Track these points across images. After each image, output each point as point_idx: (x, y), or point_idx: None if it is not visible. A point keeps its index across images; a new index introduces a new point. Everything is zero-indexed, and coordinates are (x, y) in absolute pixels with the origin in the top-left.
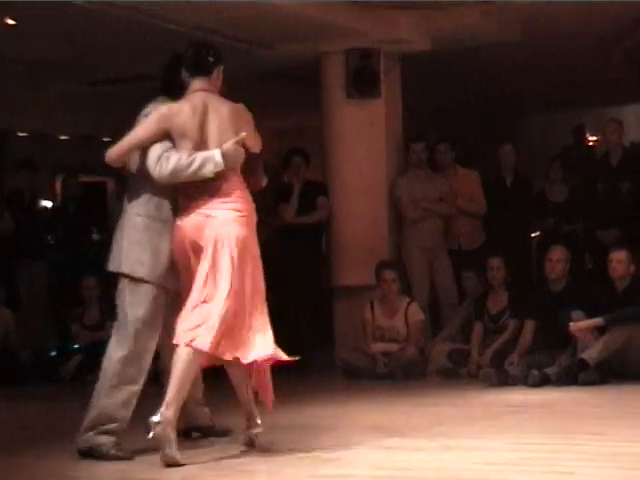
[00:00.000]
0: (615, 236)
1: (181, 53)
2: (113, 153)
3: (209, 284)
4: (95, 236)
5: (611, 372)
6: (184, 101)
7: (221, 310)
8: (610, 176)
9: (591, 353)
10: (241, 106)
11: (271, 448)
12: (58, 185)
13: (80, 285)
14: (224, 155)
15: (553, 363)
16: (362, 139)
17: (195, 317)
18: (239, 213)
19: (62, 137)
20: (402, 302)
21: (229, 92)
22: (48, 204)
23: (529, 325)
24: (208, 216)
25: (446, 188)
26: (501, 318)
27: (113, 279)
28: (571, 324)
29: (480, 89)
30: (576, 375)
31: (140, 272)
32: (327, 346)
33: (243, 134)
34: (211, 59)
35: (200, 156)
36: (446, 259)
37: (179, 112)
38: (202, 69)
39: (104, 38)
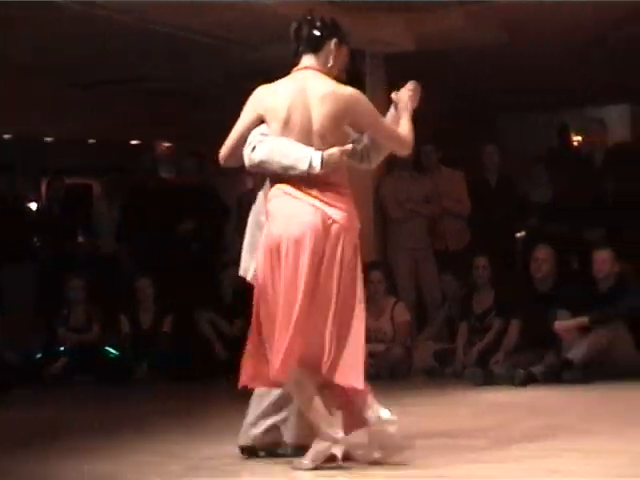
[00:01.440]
0: (600, 236)
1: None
2: (221, 154)
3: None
4: (80, 238)
5: (596, 371)
6: (284, 80)
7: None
8: (594, 176)
9: (576, 352)
10: (352, 92)
11: None
12: (44, 187)
13: (66, 286)
14: (324, 161)
15: (538, 362)
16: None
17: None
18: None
19: (47, 139)
20: (388, 303)
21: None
22: (33, 206)
23: (514, 324)
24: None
25: (431, 189)
26: (486, 317)
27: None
28: (556, 323)
29: (464, 89)
30: (561, 374)
31: None
32: None
33: (349, 146)
34: (317, 33)
35: (296, 151)
36: (431, 260)
37: (272, 93)
38: (307, 45)
39: (90, 40)
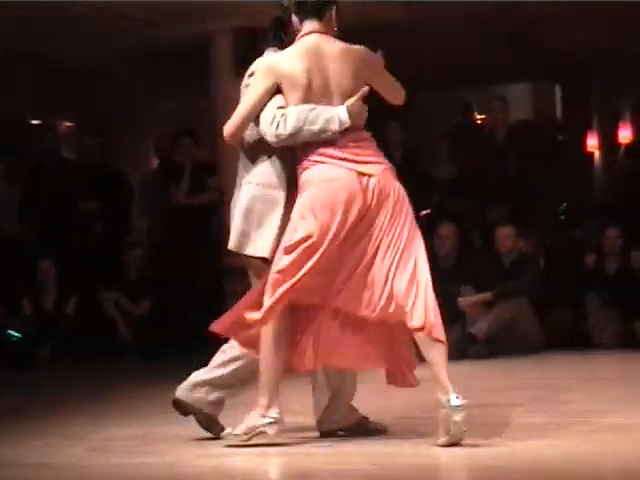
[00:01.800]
0: (502, 213)
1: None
2: (228, 131)
3: None
4: None
5: (500, 345)
6: (293, 46)
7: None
8: (496, 153)
9: (480, 327)
10: (362, 49)
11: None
12: None
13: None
14: (350, 113)
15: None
16: None
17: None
18: None
19: None
20: None
21: None
22: None
23: None
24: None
25: None
26: None
27: None
28: (460, 299)
29: None
30: (466, 349)
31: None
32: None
33: (365, 88)
34: None
35: (323, 114)
36: None
37: (287, 59)
38: (312, 10)
39: None
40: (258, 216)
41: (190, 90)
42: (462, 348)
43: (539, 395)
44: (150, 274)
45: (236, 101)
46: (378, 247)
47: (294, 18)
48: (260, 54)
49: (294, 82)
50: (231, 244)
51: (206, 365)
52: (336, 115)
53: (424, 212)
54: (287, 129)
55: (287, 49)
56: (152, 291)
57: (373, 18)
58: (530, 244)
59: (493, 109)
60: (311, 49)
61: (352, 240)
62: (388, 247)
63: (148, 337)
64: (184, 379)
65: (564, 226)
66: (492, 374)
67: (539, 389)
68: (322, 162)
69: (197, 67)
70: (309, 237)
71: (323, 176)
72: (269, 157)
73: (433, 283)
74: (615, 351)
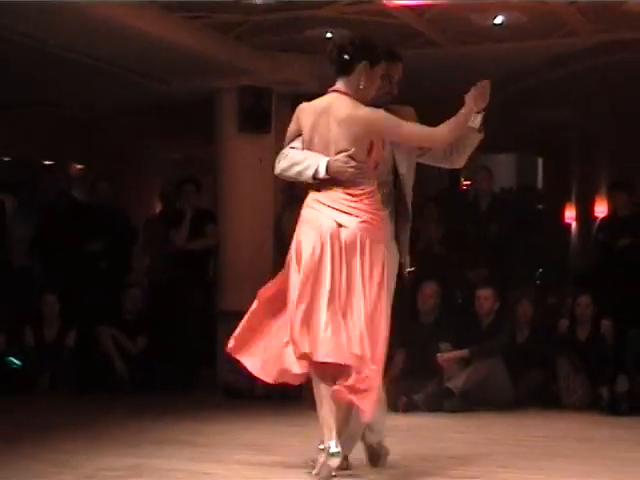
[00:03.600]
0: (483, 275)
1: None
2: (277, 167)
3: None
4: None
5: (474, 401)
6: (317, 99)
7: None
8: (480, 219)
9: (456, 382)
10: (370, 114)
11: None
12: None
13: None
14: (329, 166)
15: (421, 390)
16: (252, 172)
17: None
18: None
19: None
20: None
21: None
22: None
23: (399, 354)
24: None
25: None
26: None
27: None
28: (438, 355)
29: None
30: (442, 402)
31: None
32: (210, 367)
33: (350, 151)
34: (346, 57)
35: (308, 161)
36: None
37: (305, 111)
38: (337, 68)
39: (5, 65)
40: None
41: (196, 141)
42: (439, 402)
43: (510, 451)
44: (147, 313)
45: (238, 153)
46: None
47: None
48: (263, 111)
49: (303, 133)
50: None
51: (194, 400)
52: (316, 165)
53: (409, 269)
54: (278, 167)
55: (315, 100)
56: (148, 329)
57: None
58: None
59: (478, 178)
60: (323, 108)
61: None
62: (339, 293)
63: (143, 373)
64: (174, 415)
65: (540, 291)
66: (466, 428)
67: (510, 446)
68: (312, 207)
69: (203, 120)
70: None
71: (310, 218)
72: None
73: (415, 338)
74: (582, 413)
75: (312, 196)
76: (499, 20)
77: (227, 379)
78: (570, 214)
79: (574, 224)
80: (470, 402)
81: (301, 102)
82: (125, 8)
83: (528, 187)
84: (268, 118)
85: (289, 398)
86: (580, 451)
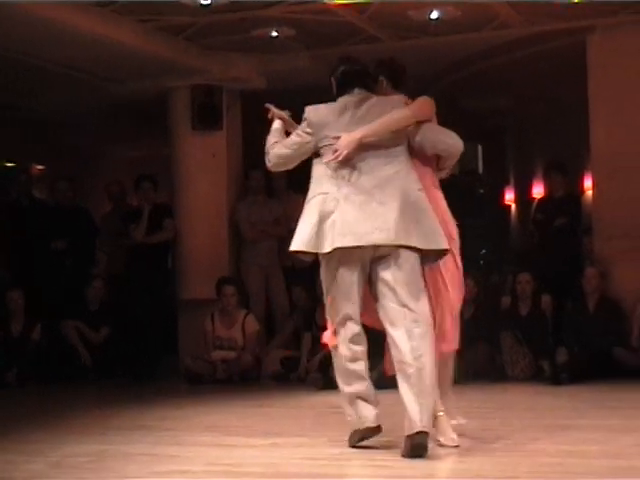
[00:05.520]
0: None
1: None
2: None
3: None
4: None
5: None
6: None
7: None
8: None
9: None
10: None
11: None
12: None
13: None
14: None
15: (374, 369)
16: (206, 167)
17: None
18: None
19: None
20: (240, 314)
21: None
22: None
23: None
24: None
25: (280, 212)
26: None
27: None
28: None
29: None
30: (394, 379)
31: None
32: (172, 355)
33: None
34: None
35: None
36: (280, 275)
37: None
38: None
39: None
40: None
41: (152, 139)
42: (391, 378)
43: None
44: (109, 304)
45: (192, 149)
46: None
47: None
48: (215, 108)
49: None
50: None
51: (157, 387)
52: None
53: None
54: None
55: None
56: (110, 320)
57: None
58: None
59: None
60: None
61: None
62: None
63: (106, 362)
64: (137, 401)
65: (483, 270)
66: None
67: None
68: None
69: (158, 119)
70: None
71: None
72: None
73: None
74: (525, 384)
75: None
76: (435, 15)
77: (189, 365)
78: (509, 196)
79: (513, 206)
80: None
81: (250, 99)
82: (75, 12)
83: (469, 172)
84: (220, 115)
85: (249, 380)
86: (525, 419)
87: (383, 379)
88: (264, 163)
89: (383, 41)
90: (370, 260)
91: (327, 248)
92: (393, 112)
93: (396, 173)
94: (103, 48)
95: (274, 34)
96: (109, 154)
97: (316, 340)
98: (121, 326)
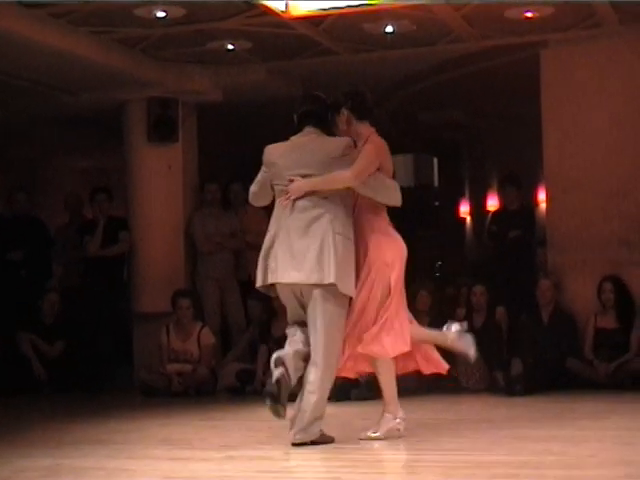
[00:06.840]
0: None
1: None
2: None
3: None
4: None
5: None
6: None
7: None
8: None
9: None
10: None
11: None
12: None
13: None
14: None
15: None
16: (161, 179)
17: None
18: None
19: None
20: (195, 327)
21: None
22: None
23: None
24: None
25: (236, 224)
26: (284, 341)
27: None
28: None
29: (267, 136)
30: (349, 392)
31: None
32: (127, 367)
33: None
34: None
35: None
36: (236, 288)
37: None
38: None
39: None
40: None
41: (106, 151)
42: (346, 390)
43: (415, 433)
44: (64, 317)
45: (148, 162)
46: None
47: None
48: (171, 121)
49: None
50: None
51: (111, 400)
52: None
53: None
54: None
55: None
56: (65, 333)
57: (269, 93)
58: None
59: None
60: None
61: None
62: None
63: (61, 375)
64: (92, 415)
65: (438, 282)
66: (371, 415)
67: (415, 428)
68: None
69: (113, 131)
70: None
71: None
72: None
73: None
74: (480, 395)
75: None
76: (390, 29)
77: (144, 378)
78: (465, 209)
79: (468, 218)
80: (376, 390)
81: (206, 111)
82: (30, 22)
83: (425, 186)
84: (175, 127)
85: (204, 393)
86: (480, 430)
87: (337, 390)
88: (220, 175)
89: (339, 54)
90: (301, 294)
91: (267, 281)
92: (336, 173)
93: (321, 215)
94: (57, 59)
95: (230, 47)
96: (61, 165)
97: (273, 353)
98: (76, 339)
